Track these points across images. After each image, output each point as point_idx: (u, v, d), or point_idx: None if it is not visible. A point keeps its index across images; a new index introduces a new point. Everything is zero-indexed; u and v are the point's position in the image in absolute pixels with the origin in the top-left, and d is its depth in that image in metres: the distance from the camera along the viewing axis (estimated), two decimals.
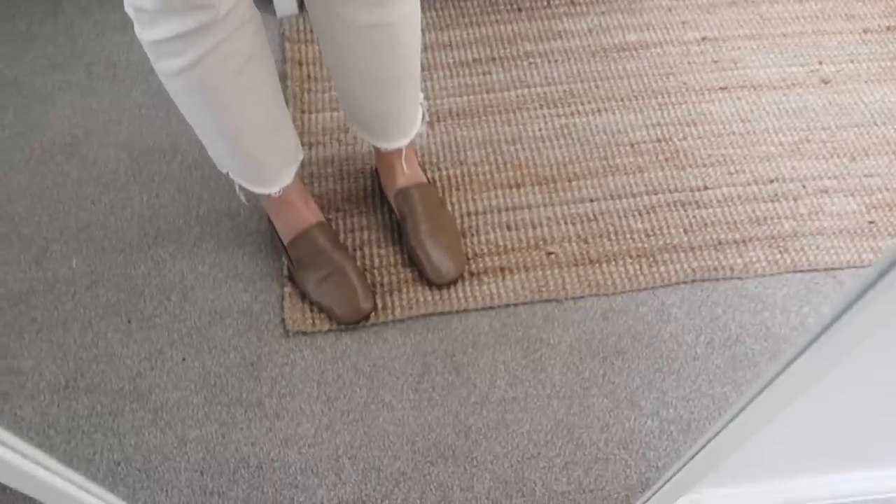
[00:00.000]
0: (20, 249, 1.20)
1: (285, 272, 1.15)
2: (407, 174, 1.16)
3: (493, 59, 1.45)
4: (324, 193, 1.25)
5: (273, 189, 1.04)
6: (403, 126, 1.08)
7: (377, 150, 1.13)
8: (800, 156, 1.30)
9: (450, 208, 1.22)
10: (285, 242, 1.12)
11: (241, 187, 1.06)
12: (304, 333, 1.10)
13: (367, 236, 1.19)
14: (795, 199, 1.24)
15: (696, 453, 0.56)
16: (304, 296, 1.12)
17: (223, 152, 0.99)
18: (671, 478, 0.64)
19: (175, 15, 0.76)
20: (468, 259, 1.16)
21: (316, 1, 0.90)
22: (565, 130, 1.34)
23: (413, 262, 1.14)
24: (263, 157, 1.00)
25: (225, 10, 0.78)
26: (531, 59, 1.45)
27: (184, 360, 1.08)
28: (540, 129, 1.34)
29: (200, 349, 1.09)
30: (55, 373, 1.07)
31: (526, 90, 1.40)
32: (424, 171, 1.22)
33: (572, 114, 1.37)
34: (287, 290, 1.13)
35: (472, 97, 1.39)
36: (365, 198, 1.24)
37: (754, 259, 1.17)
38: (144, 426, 1.02)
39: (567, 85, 1.41)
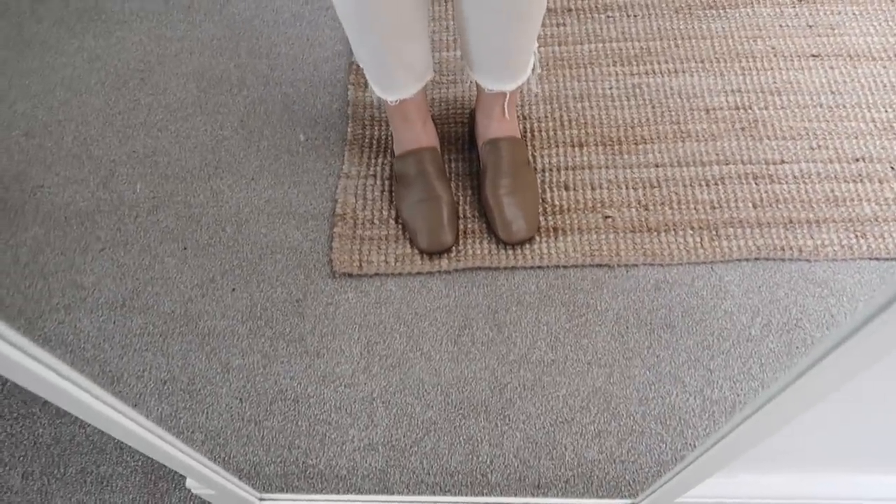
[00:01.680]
0: (90, 170, 1.24)
1: (345, 170, 1.19)
2: (503, 124, 1.13)
3: (569, 9, 1.39)
4: None
5: (392, 97, 1.05)
6: (516, 67, 1.04)
7: (480, 92, 1.10)
8: (893, 135, 1.20)
9: None
10: (396, 153, 1.15)
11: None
12: (350, 276, 1.10)
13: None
14: (881, 182, 1.15)
15: (728, 434, 0.53)
16: (356, 233, 1.12)
17: (357, 43, 0.99)
18: (698, 458, 0.61)
19: None
20: None
21: None
22: (637, 90, 1.28)
23: (485, 214, 1.12)
24: (391, 61, 1.01)
25: None
26: (609, 13, 1.38)
27: (233, 290, 1.11)
28: (610, 88, 1.28)
29: (249, 281, 1.11)
30: (114, 291, 1.11)
31: (600, 45, 1.34)
32: (522, 124, 1.20)
33: (647, 73, 1.30)
34: (337, 230, 1.13)
35: (543, 49, 1.34)
36: (455, 141, 1.22)
37: (826, 241, 1.10)
38: (192, 350, 1.06)
39: (644, 42, 1.34)
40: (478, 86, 1.09)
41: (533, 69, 1.08)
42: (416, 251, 1.11)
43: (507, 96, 1.09)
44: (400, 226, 1.13)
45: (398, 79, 1.04)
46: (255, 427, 0.99)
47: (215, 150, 1.25)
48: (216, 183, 1.21)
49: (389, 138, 1.22)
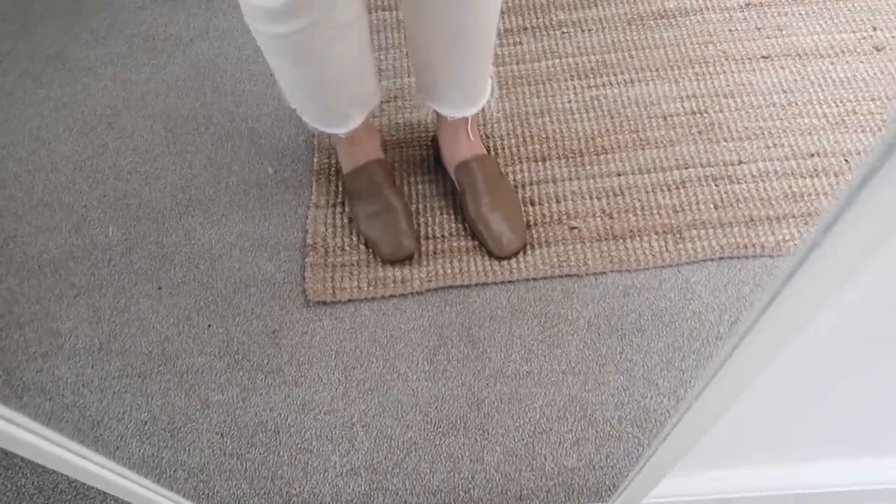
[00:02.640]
0: (62, 217, 1.25)
1: (313, 201, 1.21)
2: (469, 145, 1.15)
3: (525, 28, 1.42)
4: None
5: (342, 130, 1.07)
6: (472, 93, 1.06)
7: (441, 119, 1.12)
8: (844, 129, 1.23)
9: None
10: (345, 172, 1.17)
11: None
12: (325, 303, 1.12)
13: (416, 207, 1.20)
14: (836, 175, 1.19)
15: (671, 432, 0.55)
16: (328, 261, 1.14)
17: (303, 99, 1.01)
18: (650, 458, 0.63)
19: None
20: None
21: None
22: (595, 102, 1.31)
23: (474, 235, 1.14)
24: (340, 106, 1.03)
25: None
26: (564, 29, 1.42)
27: (209, 326, 1.12)
28: (569, 101, 1.31)
29: (225, 316, 1.12)
30: (90, 335, 1.12)
31: (557, 61, 1.37)
32: (485, 142, 1.23)
33: (604, 85, 1.33)
34: (309, 259, 1.15)
35: (501, 68, 1.37)
36: (420, 164, 1.24)
37: (788, 237, 1.13)
38: (171, 389, 1.06)
39: (600, 55, 1.37)
40: (437, 114, 1.11)
41: (491, 92, 1.10)
42: (387, 274, 1.12)
43: (469, 120, 1.11)
44: (363, 243, 1.15)
45: (349, 115, 1.06)
46: (238, 461, 1.00)
47: (185, 188, 1.27)
48: (188, 221, 1.23)
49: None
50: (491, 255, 1.12)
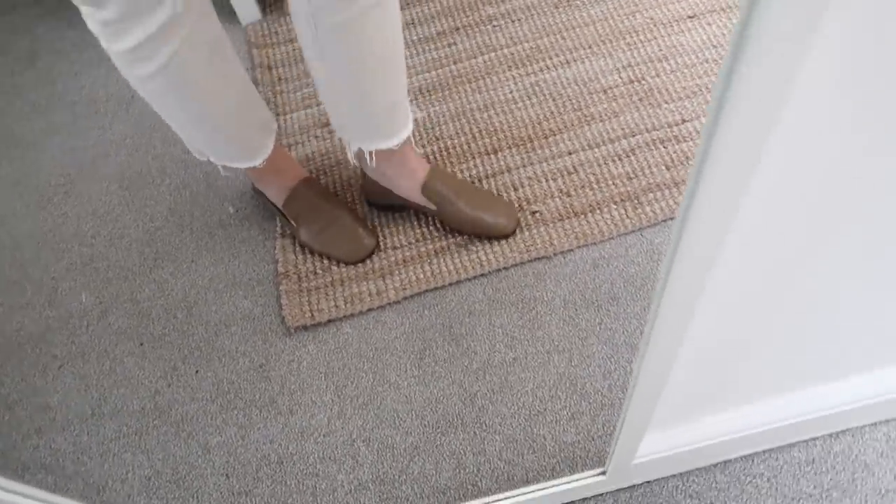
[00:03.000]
0: (32, 293, 1.25)
1: (279, 231, 1.21)
2: (420, 162, 1.13)
3: (457, 28, 1.45)
4: None
5: (258, 161, 1.08)
6: (405, 112, 1.03)
7: (382, 155, 1.06)
8: None
9: None
10: (280, 204, 1.17)
11: (225, 167, 1.09)
12: (306, 328, 1.13)
13: (374, 222, 1.21)
14: None
15: (634, 387, 0.57)
16: (302, 286, 1.15)
17: (205, 139, 1.02)
18: (624, 418, 0.65)
19: (140, 19, 0.79)
20: (455, 230, 1.18)
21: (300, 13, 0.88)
22: (536, 88, 1.33)
23: (472, 231, 1.14)
24: (244, 134, 1.04)
25: (183, 3, 0.80)
26: (494, 22, 1.44)
27: (197, 372, 1.12)
28: (511, 91, 1.34)
29: (211, 359, 1.13)
30: (81, 403, 1.12)
31: (493, 54, 1.40)
32: (435, 144, 1.27)
33: (541, 70, 1.36)
34: (283, 287, 1.16)
35: (439, 71, 1.39)
36: (351, 185, 1.26)
37: None
38: (169, 440, 1.07)
39: (533, 42, 1.40)
40: (367, 155, 1.06)
41: (415, 119, 1.10)
42: (362, 288, 1.14)
43: (403, 147, 1.07)
44: (334, 263, 1.17)
45: (257, 143, 1.06)
46: (246, 498, 1.00)
47: (150, 242, 1.27)
48: (158, 274, 1.23)
49: None
50: (495, 238, 1.14)
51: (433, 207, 1.13)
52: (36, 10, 1.71)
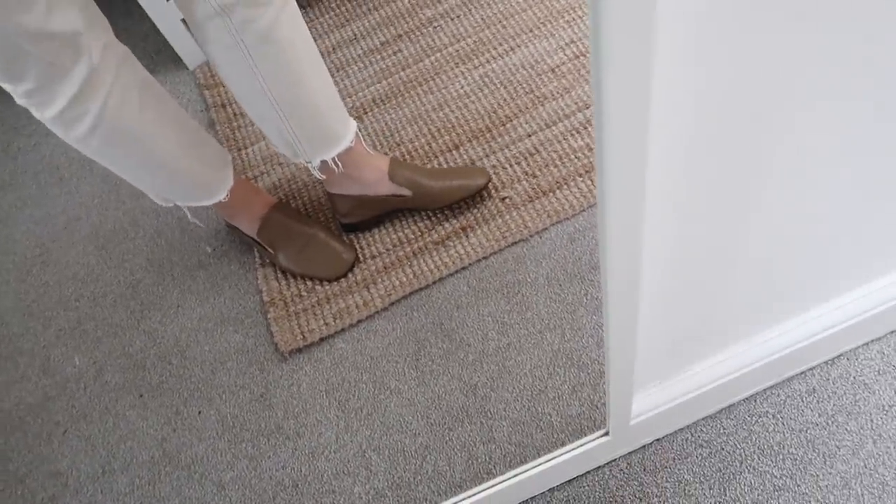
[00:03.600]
0: (26, 364, 1.25)
1: (258, 261, 1.22)
2: (378, 157, 1.14)
3: (399, 35, 1.47)
4: None
5: (221, 196, 1.08)
6: (343, 107, 1.05)
7: (337, 165, 1.08)
8: None
9: None
10: (254, 234, 1.18)
11: (192, 210, 1.11)
12: (300, 351, 1.13)
13: (347, 237, 1.22)
14: None
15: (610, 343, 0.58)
16: (290, 311, 1.16)
17: (162, 183, 1.03)
18: (610, 375, 0.66)
19: (61, 81, 0.80)
20: (430, 229, 1.19)
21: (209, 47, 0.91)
22: (486, 79, 1.35)
23: (452, 200, 1.16)
24: (197, 171, 1.04)
25: (99, 54, 0.81)
26: (435, 24, 1.46)
27: (199, 413, 1.13)
28: (462, 87, 1.35)
29: (212, 398, 1.13)
30: (89, 464, 1.12)
31: (438, 54, 1.42)
32: (397, 149, 1.29)
33: (488, 61, 1.38)
34: (271, 315, 1.17)
35: (390, 80, 1.41)
36: (321, 205, 1.27)
37: None
38: (182, 484, 1.07)
39: (475, 35, 1.42)
40: (336, 161, 1.07)
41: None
42: (349, 302, 1.15)
43: (356, 143, 1.08)
44: (317, 283, 1.17)
45: (217, 178, 1.07)
46: None
47: (134, 295, 1.28)
48: (147, 324, 1.24)
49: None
50: (479, 191, 1.16)
51: (407, 192, 1.15)
52: None
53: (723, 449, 0.93)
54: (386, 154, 1.29)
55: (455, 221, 1.19)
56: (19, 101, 0.82)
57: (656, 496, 0.92)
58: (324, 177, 1.10)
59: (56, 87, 0.80)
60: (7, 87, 0.80)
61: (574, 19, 1.38)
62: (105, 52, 0.82)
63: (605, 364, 0.64)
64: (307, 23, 1.20)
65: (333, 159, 1.06)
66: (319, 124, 1.02)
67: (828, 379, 0.96)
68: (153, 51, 1.60)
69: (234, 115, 1.44)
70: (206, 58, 1.54)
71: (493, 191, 1.21)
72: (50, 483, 1.12)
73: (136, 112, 0.90)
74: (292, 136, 1.01)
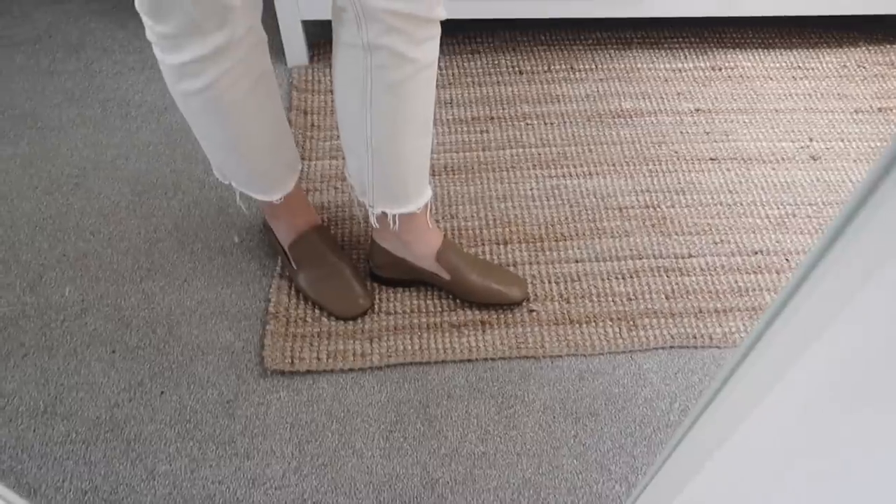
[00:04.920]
0: (16, 275, 1.23)
1: (278, 270, 1.22)
2: (437, 233, 1.15)
3: (492, 118, 1.50)
4: None
5: (276, 196, 1.09)
6: (427, 176, 1.06)
7: (404, 220, 1.07)
8: (785, 230, 1.32)
9: None
10: (286, 245, 1.18)
11: (241, 196, 1.11)
12: (282, 373, 1.11)
13: (374, 284, 1.22)
14: (778, 273, 1.26)
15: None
16: (288, 331, 1.14)
17: (231, 164, 1.03)
18: None
19: (197, 38, 0.81)
20: (451, 310, 1.18)
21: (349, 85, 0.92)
22: (556, 191, 1.37)
23: (484, 300, 1.16)
24: (269, 167, 1.06)
25: (241, 32, 0.83)
26: (528, 121, 1.50)
27: (162, 393, 1.09)
28: (531, 189, 1.37)
29: (179, 384, 1.10)
30: (35, 398, 1.09)
31: (521, 150, 1.44)
32: (450, 222, 1.31)
33: (564, 175, 1.40)
34: (269, 327, 1.15)
35: (468, 154, 1.43)
36: (359, 242, 1.26)
37: (734, 329, 1.18)
38: (116, 457, 1.03)
39: (561, 147, 1.45)
40: (396, 218, 1.07)
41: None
42: (347, 347, 1.13)
43: (421, 212, 1.09)
44: (325, 316, 1.16)
45: (279, 179, 1.09)
46: None
47: (148, 252, 1.26)
48: (148, 285, 1.22)
49: None
50: (512, 304, 1.17)
51: (446, 276, 1.14)
52: (93, 4, 1.76)
53: None
54: (440, 224, 1.29)
55: (478, 313, 1.18)
56: (150, 37, 0.84)
57: None
58: (377, 226, 1.11)
59: (191, 41, 0.81)
60: (146, 20, 0.82)
61: (656, 171, 1.41)
62: (248, 32, 0.84)
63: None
64: None
65: (395, 216, 1.06)
66: (399, 181, 1.02)
67: None
68: None
69: (312, 125, 1.46)
70: (307, 61, 1.57)
71: (524, 300, 1.21)
72: None
73: (244, 95, 0.91)
74: (369, 177, 1.01)
